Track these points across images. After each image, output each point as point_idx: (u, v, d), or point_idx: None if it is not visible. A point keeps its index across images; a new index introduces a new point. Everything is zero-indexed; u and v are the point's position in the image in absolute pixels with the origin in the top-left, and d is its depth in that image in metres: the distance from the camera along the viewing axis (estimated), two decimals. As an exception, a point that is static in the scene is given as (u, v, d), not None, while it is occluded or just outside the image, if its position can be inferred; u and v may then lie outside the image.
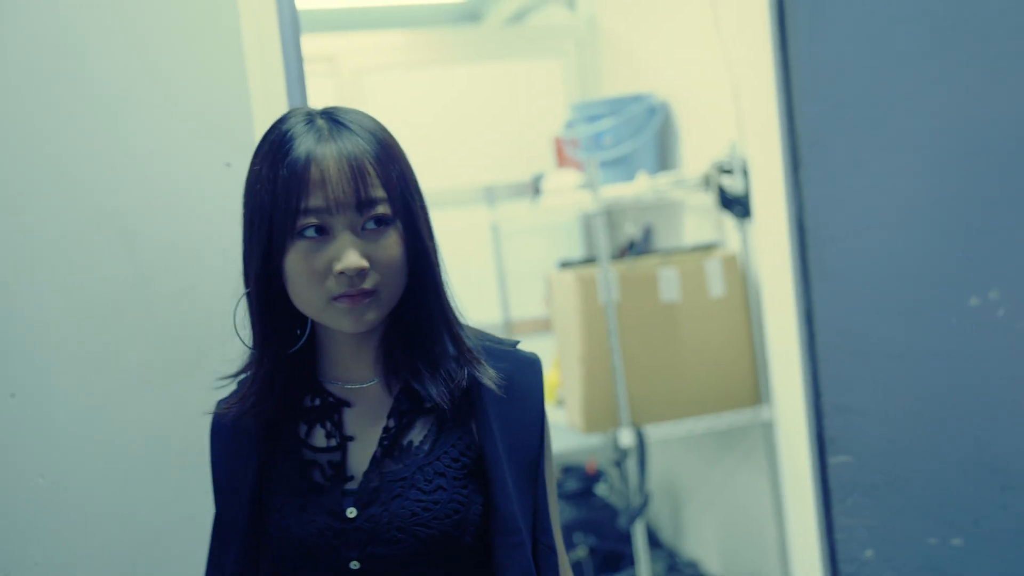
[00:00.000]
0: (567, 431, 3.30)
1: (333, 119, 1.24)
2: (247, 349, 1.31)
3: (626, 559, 3.55)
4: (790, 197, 1.97)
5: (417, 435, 1.29)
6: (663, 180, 3.21)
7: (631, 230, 3.81)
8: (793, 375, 2.57)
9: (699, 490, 3.68)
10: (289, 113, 1.27)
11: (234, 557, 1.30)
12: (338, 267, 1.20)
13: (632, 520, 3.15)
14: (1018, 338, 1.63)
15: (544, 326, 3.82)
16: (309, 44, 3.63)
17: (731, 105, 3.05)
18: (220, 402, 1.37)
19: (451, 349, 1.30)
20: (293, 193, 1.20)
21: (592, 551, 3.65)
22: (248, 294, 1.27)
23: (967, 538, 1.72)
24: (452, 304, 1.31)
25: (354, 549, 1.24)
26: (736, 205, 3.03)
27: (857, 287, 1.81)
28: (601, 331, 3.06)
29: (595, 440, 3.64)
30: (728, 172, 3.05)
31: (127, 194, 1.72)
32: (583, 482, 3.84)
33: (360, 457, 1.29)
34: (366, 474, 1.27)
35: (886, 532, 1.83)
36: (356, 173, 1.20)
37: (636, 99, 3.46)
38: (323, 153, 1.20)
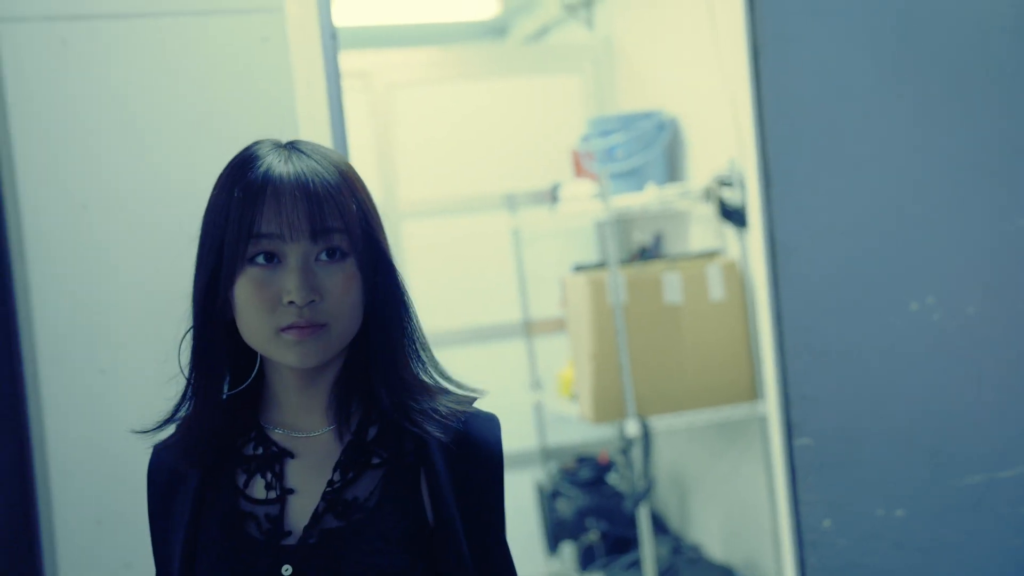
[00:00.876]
0: (579, 422, 3.61)
1: (296, 148, 1.22)
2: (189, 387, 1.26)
3: (634, 543, 3.85)
4: (763, 210, 2.27)
5: (362, 491, 1.22)
6: (670, 191, 3.50)
7: (643, 237, 4.12)
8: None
9: (704, 480, 3.97)
10: (254, 143, 1.25)
11: None
12: (287, 297, 1.16)
13: (636, 503, 3.45)
14: (950, 338, 1.92)
15: (561, 326, 4.12)
16: (344, 60, 3.96)
17: (732, 122, 3.34)
18: (156, 445, 1.30)
19: (424, 397, 1.24)
20: (247, 217, 1.16)
21: (603, 535, 3.96)
22: (194, 326, 1.23)
23: (908, 509, 2.01)
24: (421, 349, 1.26)
25: None
26: (735, 216, 3.33)
27: (817, 292, 2.11)
28: (610, 330, 3.36)
29: (606, 432, 3.94)
30: (728, 185, 3.35)
31: (198, 208, 2.06)
32: (595, 471, 4.14)
33: (300, 511, 1.22)
34: (306, 529, 1.20)
35: (841, 504, 2.12)
36: (313, 200, 1.17)
37: (646, 116, 3.76)
38: (280, 178, 1.17)
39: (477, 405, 1.29)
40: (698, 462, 4.00)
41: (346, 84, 4.07)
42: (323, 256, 1.18)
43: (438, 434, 1.21)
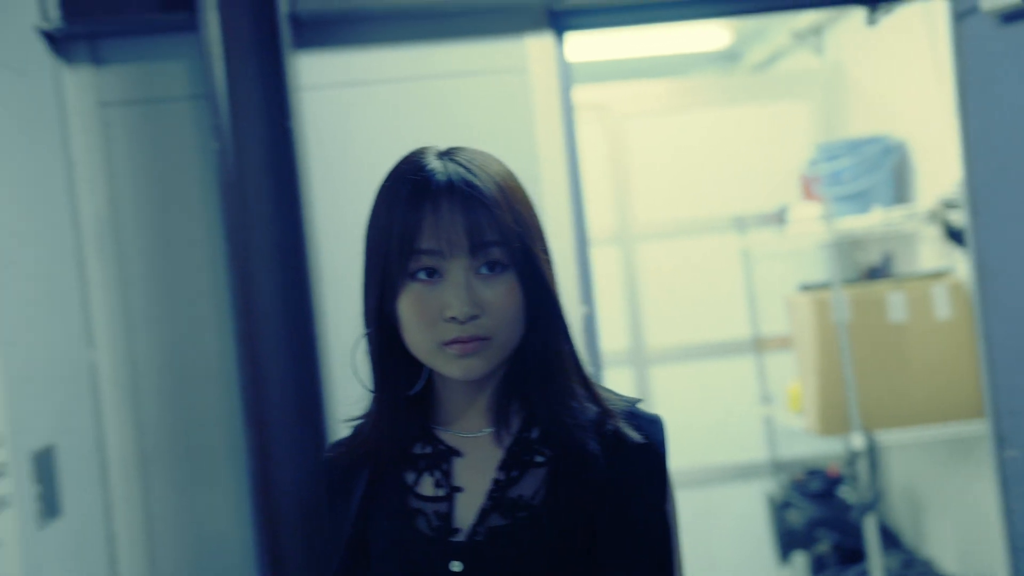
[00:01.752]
0: (806, 435, 3.79)
1: (454, 160, 1.22)
2: (367, 391, 1.30)
3: (864, 555, 3.96)
4: (971, 233, 2.40)
5: (527, 489, 1.23)
6: (896, 213, 3.62)
7: (870, 257, 4.23)
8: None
9: (937, 495, 4.02)
10: (413, 152, 1.26)
11: None
12: (448, 312, 1.18)
13: (863, 514, 3.58)
14: None
15: (789, 342, 4.29)
16: (582, 93, 4.32)
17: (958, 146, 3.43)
18: (333, 444, 1.37)
19: (584, 398, 1.25)
20: (407, 234, 1.19)
21: (834, 547, 4.09)
22: (367, 335, 1.27)
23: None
24: (578, 354, 1.27)
25: None
26: (960, 237, 3.42)
27: (1020, 313, 2.24)
28: (834, 346, 3.53)
29: (834, 446, 4.08)
30: (955, 207, 3.44)
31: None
32: (825, 484, 4.27)
33: (468, 509, 1.24)
34: (473, 527, 1.22)
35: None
36: (471, 215, 1.18)
37: (873, 140, 3.88)
38: (438, 194, 1.18)
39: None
40: (931, 478, 4.05)
41: (583, 116, 4.44)
42: (483, 269, 1.19)
43: (600, 430, 1.22)
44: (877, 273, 4.04)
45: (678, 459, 4.40)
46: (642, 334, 4.64)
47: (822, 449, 4.47)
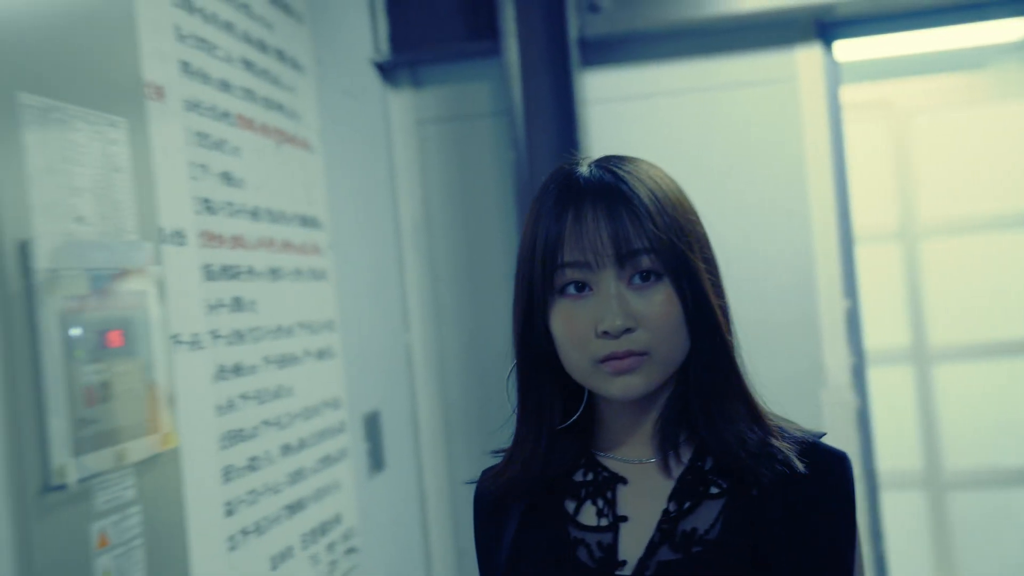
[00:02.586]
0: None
1: (605, 168, 1.17)
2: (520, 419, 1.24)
3: None
4: None
5: (702, 522, 1.15)
6: None
7: None
8: None
9: None
10: (563, 163, 1.22)
11: None
12: (601, 327, 1.11)
13: None
14: None
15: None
16: (864, 92, 4.37)
17: None
18: (485, 471, 1.31)
19: (751, 426, 1.16)
20: (549, 247, 1.13)
21: None
22: (517, 358, 1.21)
23: None
24: (745, 375, 1.18)
25: None
26: None
27: None
28: None
29: None
30: None
31: (724, 241, 2.68)
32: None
33: (633, 541, 1.16)
34: (641, 560, 1.14)
35: None
36: (616, 223, 1.12)
37: None
38: (583, 203, 1.13)
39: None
40: None
41: (864, 114, 4.50)
42: (636, 279, 1.13)
43: (779, 468, 1.13)
44: None
45: (964, 458, 4.46)
46: (924, 331, 4.62)
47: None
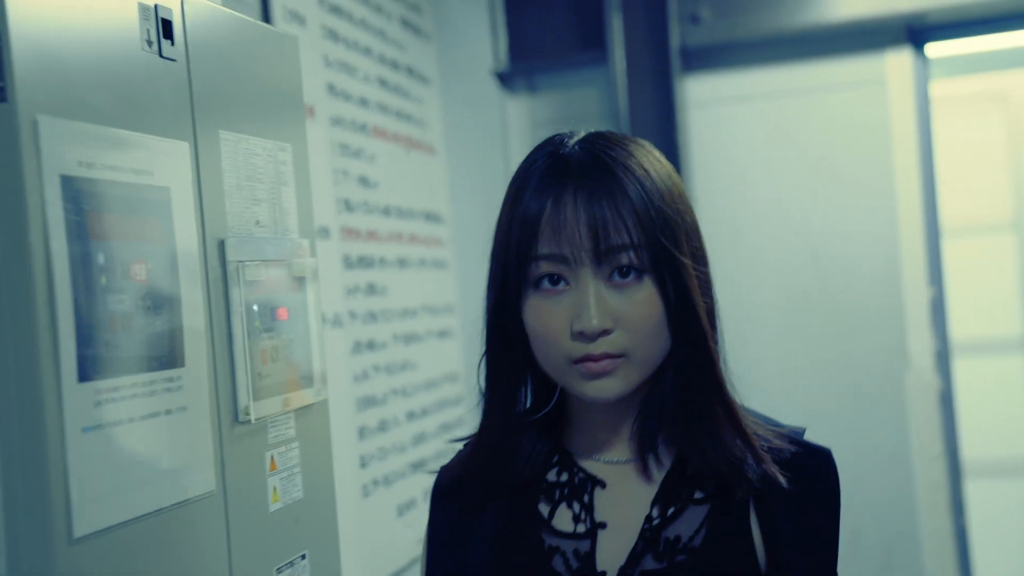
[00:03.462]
0: None
1: (592, 150, 1.07)
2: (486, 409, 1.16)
3: None
4: None
5: (685, 529, 1.09)
6: None
7: None
8: None
9: None
10: (548, 139, 1.12)
11: None
12: (576, 325, 1.03)
13: None
14: None
15: None
16: (979, 83, 4.49)
17: None
18: (444, 465, 1.22)
19: (730, 429, 1.09)
20: (526, 235, 1.05)
21: None
22: (486, 347, 1.14)
23: None
24: (725, 376, 1.11)
25: None
26: None
27: None
28: None
29: None
30: None
31: (814, 231, 2.91)
32: None
33: (613, 549, 1.09)
34: (622, 570, 1.08)
35: None
36: (597, 216, 1.03)
37: None
38: (563, 189, 1.04)
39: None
40: None
41: (979, 106, 4.62)
42: (616, 277, 1.04)
43: (767, 469, 1.07)
44: None
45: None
46: (1037, 321, 4.71)
47: None
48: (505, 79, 3.15)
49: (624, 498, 1.12)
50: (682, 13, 3.01)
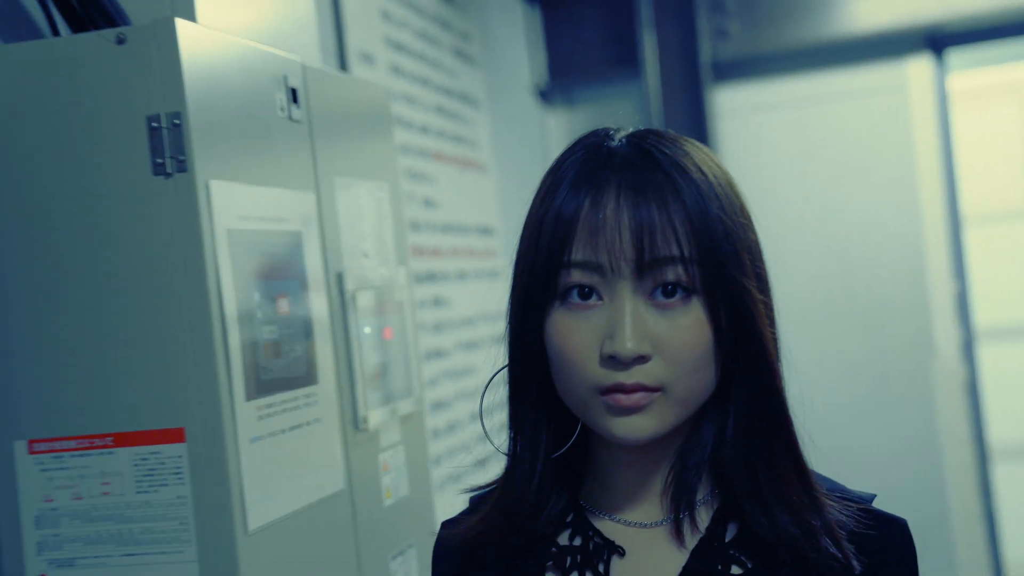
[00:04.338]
0: None
1: (641, 146, 0.94)
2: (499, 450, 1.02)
3: None
4: None
5: None
6: None
7: None
8: None
9: None
10: (591, 132, 0.99)
11: None
12: (607, 348, 0.88)
13: None
14: None
15: None
16: (998, 75, 4.69)
17: None
18: (446, 523, 1.09)
19: (802, 494, 0.93)
20: (557, 239, 0.91)
21: None
22: (509, 372, 0.99)
23: None
24: (793, 427, 0.95)
25: None
26: None
27: None
28: None
29: None
30: None
31: (840, 227, 3.13)
32: None
33: None
34: None
35: None
36: (643, 219, 0.89)
37: None
38: (605, 188, 0.91)
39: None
40: None
41: (998, 98, 4.81)
42: (659, 295, 0.90)
43: (833, 549, 0.91)
44: None
45: None
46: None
47: None
48: (545, 95, 3.37)
49: (649, 568, 0.95)
50: (712, 28, 3.22)
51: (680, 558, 0.94)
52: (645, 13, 3.19)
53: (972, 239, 3.43)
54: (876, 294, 3.16)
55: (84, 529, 1.24)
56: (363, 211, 1.62)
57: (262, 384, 1.30)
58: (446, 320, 2.53)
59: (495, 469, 1.05)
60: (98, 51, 1.22)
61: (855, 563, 0.91)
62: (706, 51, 3.19)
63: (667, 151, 0.93)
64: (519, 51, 3.26)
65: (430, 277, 2.46)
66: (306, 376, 1.40)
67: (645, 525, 0.97)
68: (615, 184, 0.90)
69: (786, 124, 3.26)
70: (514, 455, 0.98)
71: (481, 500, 1.05)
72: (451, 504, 2.57)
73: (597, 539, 0.97)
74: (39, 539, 1.25)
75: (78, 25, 1.34)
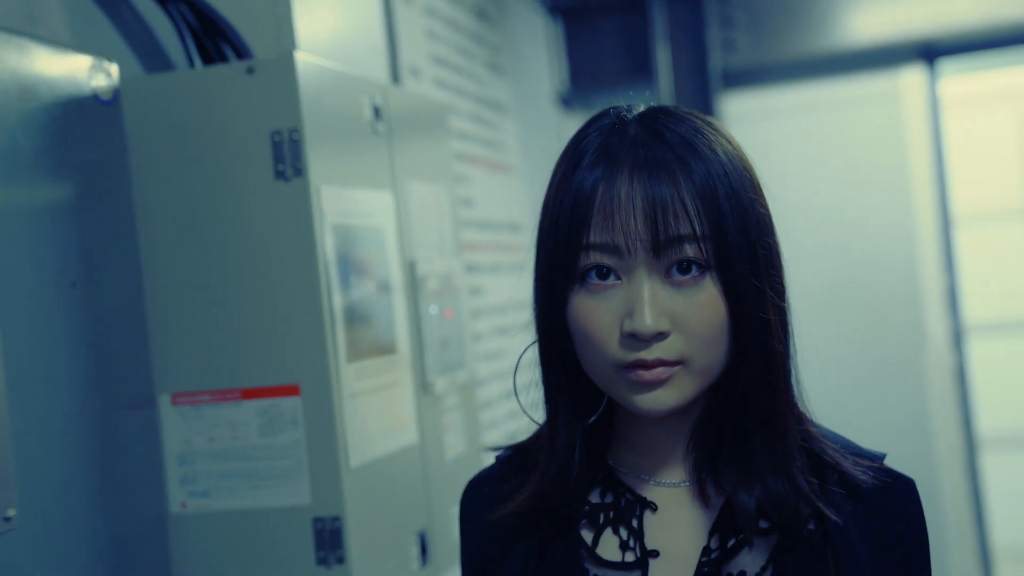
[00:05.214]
0: None
1: (651, 127, 0.98)
2: (530, 419, 1.10)
3: None
4: None
5: (751, 564, 1.00)
6: None
7: None
8: None
9: None
10: (604, 111, 1.03)
11: None
12: (627, 326, 0.94)
13: None
14: None
15: None
16: (993, 80, 5.00)
17: None
18: (473, 481, 1.15)
19: (805, 452, 1.01)
20: (575, 222, 0.96)
21: None
22: (539, 346, 1.05)
23: None
24: (797, 392, 1.03)
25: None
26: None
27: None
28: None
29: None
30: None
31: (846, 227, 3.44)
32: None
33: None
34: None
35: None
36: (656, 199, 0.93)
37: None
38: (618, 170, 0.95)
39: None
40: None
41: (992, 104, 5.12)
42: (675, 272, 0.95)
43: (842, 503, 0.99)
44: None
45: None
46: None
47: None
48: (566, 102, 3.69)
49: (678, 524, 1.03)
50: (721, 40, 3.54)
51: (707, 515, 1.02)
52: (659, 26, 3.51)
53: (963, 238, 3.75)
54: (873, 288, 3.48)
55: (217, 466, 1.55)
56: (428, 209, 1.93)
57: (358, 351, 1.61)
58: (483, 307, 2.84)
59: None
60: (232, 79, 1.53)
61: (861, 512, 1.00)
62: (715, 61, 3.51)
63: (678, 130, 0.98)
64: (542, 62, 3.58)
65: (469, 269, 2.78)
66: (389, 345, 1.72)
67: (671, 484, 1.04)
68: (627, 166, 0.95)
69: (790, 129, 3.58)
70: (553, 428, 1.05)
71: (508, 460, 1.13)
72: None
73: (628, 495, 1.04)
74: (181, 475, 1.56)
75: (207, 56, 1.65)
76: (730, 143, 1.01)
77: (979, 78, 5.06)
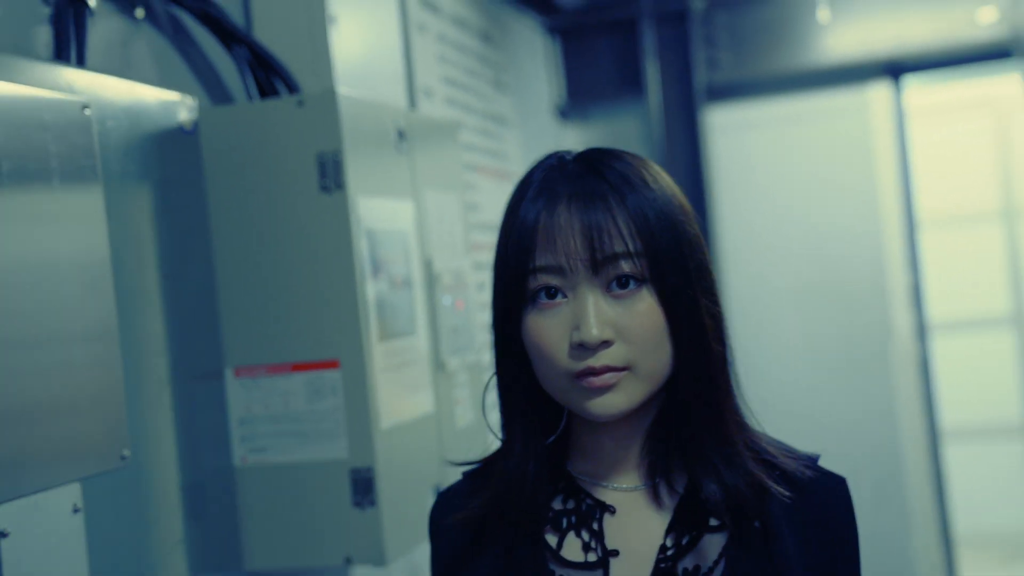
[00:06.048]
0: None
1: (588, 163, 1.11)
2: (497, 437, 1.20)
3: None
4: None
5: (704, 559, 1.09)
6: None
7: None
8: None
9: None
10: (545, 156, 1.17)
11: None
12: (575, 337, 1.05)
13: None
14: None
15: None
16: (969, 90, 5.35)
17: None
18: (444, 492, 1.25)
19: (746, 451, 1.10)
20: (522, 249, 1.07)
21: None
22: (496, 366, 1.16)
23: None
24: (738, 392, 1.13)
25: None
26: None
27: None
28: None
29: None
30: None
31: (819, 232, 3.80)
32: None
33: None
34: None
35: None
36: (592, 222, 1.05)
37: None
38: (557, 200, 1.07)
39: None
40: None
41: (969, 113, 5.48)
42: (615, 287, 1.06)
43: (783, 497, 1.09)
44: None
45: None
46: None
47: None
48: (564, 114, 4.05)
49: (636, 526, 1.12)
50: (706, 57, 3.90)
51: (662, 515, 1.13)
52: (649, 45, 3.88)
53: (931, 241, 4.12)
54: (842, 286, 3.84)
55: (271, 428, 1.91)
56: (442, 215, 2.30)
57: (386, 333, 1.97)
58: (488, 300, 3.21)
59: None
60: (286, 111, 1.89)
61: (792, 505, 1.09)
62: (700, 77, 3.87)
63: (613, 165, 1.10)
64: (542, 79, 3.94)
65: (477, 266, 3.14)
66: (409, 329, 2.08)
67: (628, 489, 1.14)
68: (566, 196, 1.07)
69: (768, 139, 3.94)
70: (508, 444, 1.15)
71: (475, 474, 1.23)
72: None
73: (588, 500, 1.14)
74: (241, 435, 1.92)
75: (262, 89, 2.01)
76: (660, 174, 1.14)
77: (956, 88, 5.43)
